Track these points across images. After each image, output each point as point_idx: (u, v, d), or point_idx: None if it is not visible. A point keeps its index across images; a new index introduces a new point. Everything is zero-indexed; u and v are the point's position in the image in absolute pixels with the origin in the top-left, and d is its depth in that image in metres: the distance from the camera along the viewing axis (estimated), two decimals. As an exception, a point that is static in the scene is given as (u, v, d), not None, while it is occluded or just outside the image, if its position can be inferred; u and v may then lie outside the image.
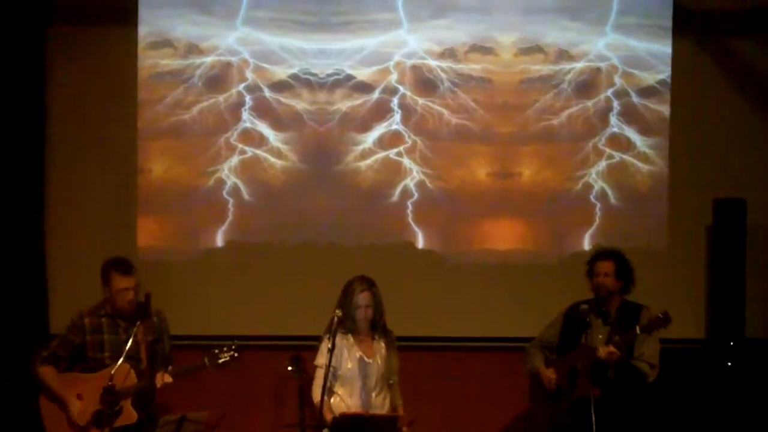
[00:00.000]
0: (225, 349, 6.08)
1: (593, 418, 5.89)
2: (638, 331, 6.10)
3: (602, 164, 7.59)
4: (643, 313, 6.31)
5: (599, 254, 6.45)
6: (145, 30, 7.57)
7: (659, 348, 6.27)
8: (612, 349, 6.09)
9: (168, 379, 6.03)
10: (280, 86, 7.56)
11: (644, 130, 7.59)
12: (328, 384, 6.13)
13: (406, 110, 7.57)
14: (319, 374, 6.07)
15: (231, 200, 7.57)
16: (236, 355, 6.08)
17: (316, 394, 6.01)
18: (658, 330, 6.12)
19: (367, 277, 6.26)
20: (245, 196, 7.57)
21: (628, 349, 6.16)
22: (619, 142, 7.59)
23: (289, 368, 6.88)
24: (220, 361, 6.06)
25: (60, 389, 6.05)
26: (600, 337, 6.29)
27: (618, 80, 7.58)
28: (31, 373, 6.15)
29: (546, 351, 6.52)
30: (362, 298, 6.18)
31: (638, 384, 6.24)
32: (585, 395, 6.02)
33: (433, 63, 7.58)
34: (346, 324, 6.17)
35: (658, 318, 6.09)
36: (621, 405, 6.20)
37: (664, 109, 7.58)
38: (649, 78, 7.59)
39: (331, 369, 6.11)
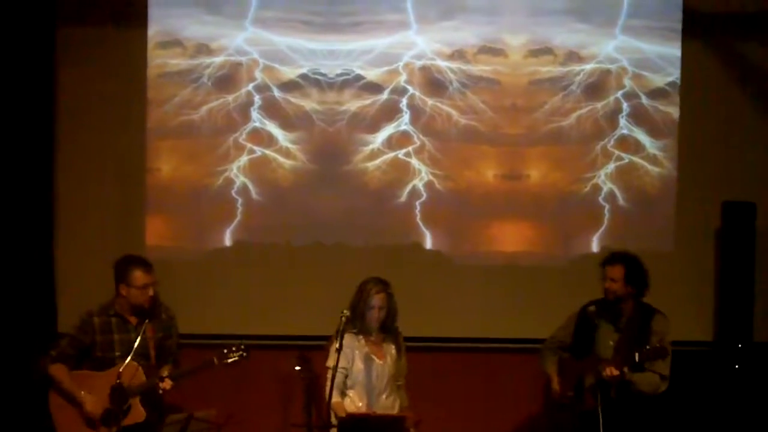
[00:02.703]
0: (234, 348, 6.08)
1: (600, 423, 5.87)
2: (637, 359, 6.04)
3: (611, 166, 7.58)
4: (656, 319, 6.26)
5: (608, 259, 6.39)
6: (154, 30, 7.58)
7: (670, 359, 6.21)
8: (615, 371, 6.06)
9: (167, 385, 6.02)
10: (289, 86, 7.57)
11: (653, 132, 7.59)
12: (343, 387, 6.14)
13: (415, 111, 7.58)
14: (330, 376, 6.07)
15: (239, 200, 7.58)
16: (245, 354, 6.08)
17: (328, 396, 6.00)
18: (655, 360, 6.09)
19: (382, 278, 6.25)
20: (254, 195, 7.58)
21: (635, 366, 6.14)
22: (628, 144, 7.59)
23: (296, 368, 6.89)
24: (229, 360, 6.06)
25: (72, 387, 6.06)
26: (610, 343, 6.26)
27: (627, 82, 7.57)
28: (41, 371, 6.15)
29: (560, 351, 6.49)
30: (377, 299, 6.18)
31: (645, 398, 6.21)
32: (590, 409, 5.99)
33: (442, 64, 7.58)
34: (357, 324, 6.17)
35: (656, 349, 6.04)
36: (627, 410, 6.18)
37: (674, 111, 7.58)
38: (659, 80, 7.58)
39: (345, 371, 6.12)
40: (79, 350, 6.12)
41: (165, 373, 6.07)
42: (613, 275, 6.30)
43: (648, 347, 6.06)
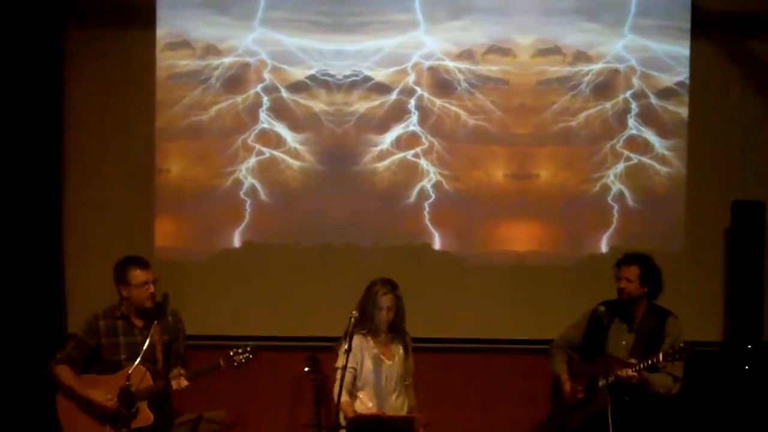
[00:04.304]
0: (241, 350, 6.08)
1: (609, 423, 5.87)
2: (661, 358, 6.06)
3: (620, 166, 7.57)
4: (669, 322, 6.26)
5: (624, 259, 6.37)
6: (163, 31, 7.59)
7: (684, 361, 6.22)
8: (633, 373, 6.05)
9: (184, 383, 6.03)
10: (297, 87, 7.57)
11: (662, 131, 7.57)
12: (351, 387, 6.14)
13: (424, 111, 7.57)
14: (339, 376, 6.08)
15: (248, 201, 7.58)
16: (251, 356, 6.08)
17: (336, 396, 6.01)
18: (680, 359, 6.09)
19: (390, 279, 6.26)
20: (262, 196, 7.58)
21: (650, 367, 6.12)
22: (637, 144, 7.57)
23: (306, 369, 6.92)
24: (236, 363, 6.06)
25: (78, 388, 6.06)
26: (623, 343, 6.26)
27: (636, 82, 7.56)
28: (47, 373, 6.16)
29: (569, 351, 6.48)
30: (385, 300, 6.19)
31: (658, 399, 6.20)
32: (602, 410, 5.99)
33: (450, 64, 7.57)
34: (366, 325, 6.18)
35: (681, 348, 6.05)
36: (638, 410, 6.17)
37: (683, 111, 7.56)
38: (668, 80, 7.56)
39: (353, 370, 6.13)
40: (85, 353, 6.12)
41: (175, 374, 6.07)
42: (629, 275, 6.29)
43: (672, 349, 6.06)
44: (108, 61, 7.63)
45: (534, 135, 7.59)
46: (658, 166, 7.57)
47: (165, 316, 6.13)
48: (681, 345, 6.08)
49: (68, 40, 7.58)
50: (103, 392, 6.00)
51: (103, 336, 6.11)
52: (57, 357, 6.13)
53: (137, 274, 6.07)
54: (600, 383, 6.11)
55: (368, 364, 6.21)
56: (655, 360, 6.07)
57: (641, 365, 6.08)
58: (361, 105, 7.56)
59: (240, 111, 7.59)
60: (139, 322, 6.13)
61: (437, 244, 7.58)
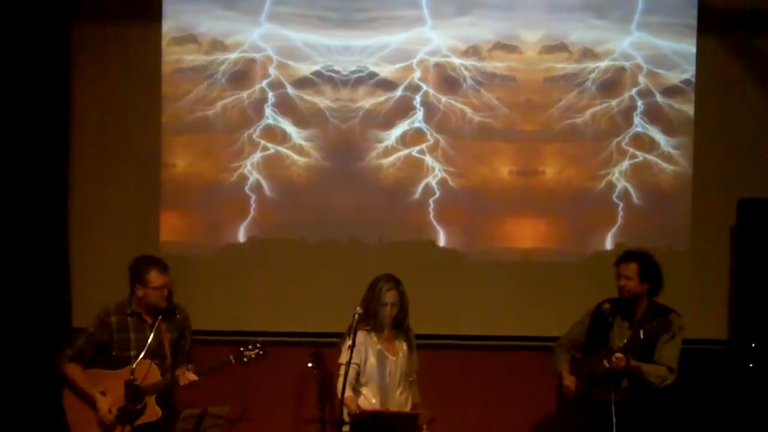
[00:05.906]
0: (251, 347, 6.08)
1: (613, 421, 5.87)
2: (642, 335, 6.06)
3: (625, 163, 7.56)
4: (671, 318, 6.26)
5: (623, 256, 6.38)
6: (169, 25, 7.60)
7: (679, 351, 6.22)
8: (619, 355, 6.05)
9: (193, 376, 6.05)
10: (303, 83, 7.57)
11: (668, 129, 7.56)
12: (355, 383, 6.15)
13: (429, 108, 7.57)
14: (343, 372, 6.08)
15: (253, 196, 7.59)
16: (262, 352, 6.07)
17: (340, 391, 6.01)
18: (660, 335, 6.08)
19: (394, 275, 6.26)
20: (267, 192, 7.59)
21: (646, 352, 6.12)
22: (643, 142, 7.56)
23: (310, 365, 6.93)
24: (245, 359, 6.07)
25: (87, 386, 6.07)
26: (625, 341, 6.25)
27: (642, 79, 7.55)
28: (56, 369, 6.16)
29: (573, 350, 6.49)
30: (389, 296, 6.19)
31: (654, 389, 6.20)
32: (603, 398, 5.99)
33: (456, 61, 7.57)
34: (370, 321, 6.18)
35: (660, 323, 6.05)
36: (641, 408, 6.17)
37: (689, 109, 7.55)
38: (674, 77, 7.55)
39: (357, 367, 6.13)
40: (95, 348, 6.14)
41: (182, 371, 6.09)
42: (628, 273, 6.29)
43: (652, 324, 6.05)
44: (114, 55, 7.64)
45: (540, 132, 7.59)
46: (663, 164, 7.56)
47: (174, 314, 6.15)
48: (660, 321, 6.06)
49: (74, 34, 7.59)
50: (109, 399, 6.00)
51: (114, 332, 6.13)
52: (67, 353, 6.14)
53: (156, 277, 6.09)
54: (598, 372, 6.13)
55: (372, 360, 6.22)
56: (635, 340, 6.04)
57: (625, 348, 6.06)
58: (367, 101, 7.56)
59: (245, 106, 7.59)
60: (149, 319, 6.14)
61: (442, 241, 7.58)
